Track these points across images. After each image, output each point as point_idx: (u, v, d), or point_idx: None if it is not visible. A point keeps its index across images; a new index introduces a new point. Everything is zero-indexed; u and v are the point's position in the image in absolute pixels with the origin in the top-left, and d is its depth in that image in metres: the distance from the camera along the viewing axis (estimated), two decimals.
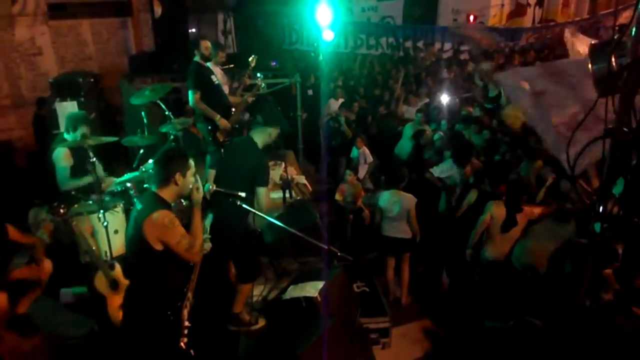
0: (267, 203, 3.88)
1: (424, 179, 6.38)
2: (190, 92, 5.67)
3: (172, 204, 2.98)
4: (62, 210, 3.69)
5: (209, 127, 5.74)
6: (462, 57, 11.95)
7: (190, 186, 2.99)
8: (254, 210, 3.57)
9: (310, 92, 9.54)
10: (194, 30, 11.28)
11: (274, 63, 12.33)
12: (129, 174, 4.94)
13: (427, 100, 8.89)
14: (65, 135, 4.47)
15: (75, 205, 4.40)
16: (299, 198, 5.69)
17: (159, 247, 2.80)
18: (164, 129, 5.63)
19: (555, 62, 4.03)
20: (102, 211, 4.16)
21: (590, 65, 2.21)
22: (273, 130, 3.89)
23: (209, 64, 5.91)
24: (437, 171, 6.28)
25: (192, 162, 3.02)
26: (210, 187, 3.40)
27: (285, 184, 5.26)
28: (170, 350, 2.93)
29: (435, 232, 5.97)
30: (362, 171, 7.45)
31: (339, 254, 3.44)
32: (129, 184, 4.65)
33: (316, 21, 7.15)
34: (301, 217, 4.98)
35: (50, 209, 3.72)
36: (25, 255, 3.99)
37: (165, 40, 10.71)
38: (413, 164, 7.01)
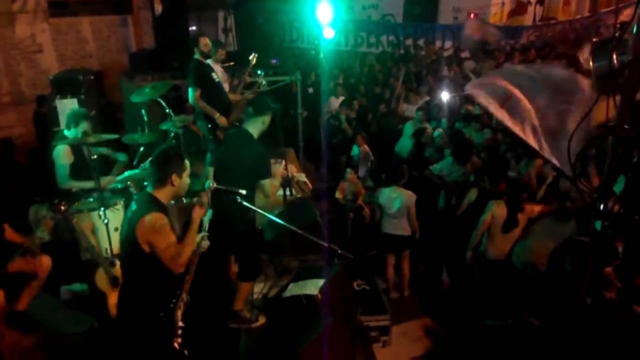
0: (273, 191, 3.86)
1: (424, 176, 6.38)
2: (190, 90, 5.67)
3: (173, 201, 2.97)
4: (62, 208, 3.69)
5: (209, 125, 5.74)
6: (463, 55, 11.94)
7: (187, 189, 2.96)
8: (254, 208, 3.56)
9: (310, 90, 9.53)
10: (194, 28, 11.25)
11: (275, 61, 12.32)
12: (129, 171, 4.94)
13: (427, 98, 8.88)
14: (66, 132, 4.47)
15: (76, 203, 4.40)
16: (299, 196, 5.69)
17: (147, 249, 2.79)
18: (164, 127, 5.62)
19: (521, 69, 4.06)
20: (102, 208, 4.16)
21: (590, 63, 2.20)
22: (266, 118, 3.84)
23: (209, 62, 5.90)
24: (437, 169, 6.28)
25: (187, 163, 3.00)
26: (211, 184, 3.39)
27: (286, 182, 5.26)
28: (163, 351, 2.91)
29: (435, 230, 5.97)
30: (363, 169, 7.45)
31: (339, 251, 3.44)
32: (129, 182, 4.66)
33: (317, 19, 7.12)
34: (301, 215, 4.97)
35: (51, 206, 3.72)
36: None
37: (166, 38, 10.69)
38: (413, 162, 7.01)
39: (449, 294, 5.72)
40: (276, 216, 3.82)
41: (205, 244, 3.13)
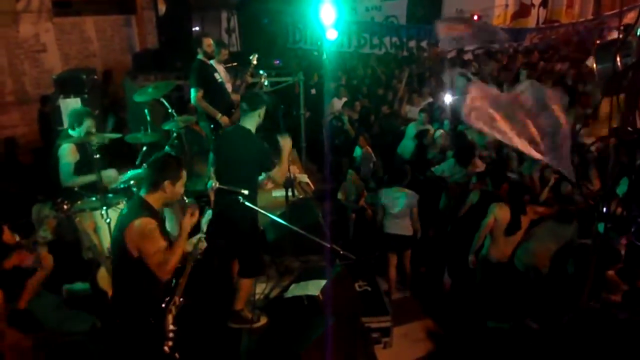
0: (280, 175, 3.88)
1: (426, 178, 6.39)
2: (192, 90, 5.68)
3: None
4: (65, 207, 3.70)
5: (212, 125, 5.75)
6: (466, 57, 11.93)
7: (182, 201, 2.94)
8: (256, 208, 3.57)
9: (313, 91, 9.54)
10: (197, 28, 11.29)
11: (278, 62, 12.35)
12: (131, 171, 4.95)
13: (430, 100, 8.88)
14: (70, 132, 4.48)
15: (79, 202, 4.40)
16: (301, 197, 5.69)
17: (136, 254, 2.77)
18: (166, 127, 5.63)
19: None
20: (104, 208, 4.17)
21: (594, 65, 2.20)
22: (260, 111, 3.85)
23: (212, 62, 5.91)
24: (438, 170, 6.28)
25: (184, 173, 2.97)
26: (213, 184, 3.40)
27: (288, 183, 5.26)
28: (153, 354, 2.90)
29: (437, 231, 5.97)
30: (365, 170, 7.44)
31: (341, 252, 3.43)
32: (131, 182, 4.66)
33: (320, 20, 7.13)
34: (304, 216, 4.98)
35: (54, 205, 3.73)
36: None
37: (169, 38, 10.71)
38: (416, 163, 7.01)
39: (451, 296, 5.72)
40: (278, 217, 3.83)
41: (202, 245, 3.11)
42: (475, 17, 12.96)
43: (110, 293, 3.92)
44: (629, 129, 2.04)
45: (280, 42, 14.65)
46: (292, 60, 12.66)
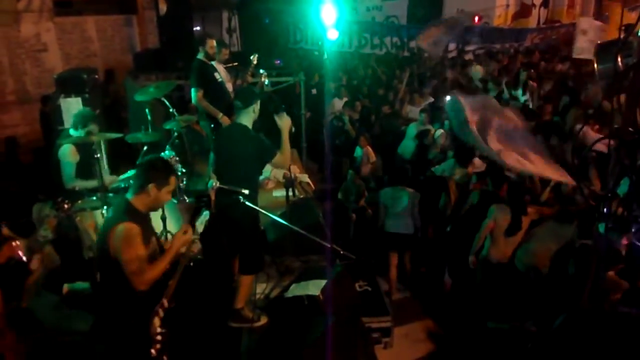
0: (284, 159, 3.83)
1: (427, 178, 6.39)
2: (193, 90, 5.68)
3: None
4: (66, 206, 3.70)
5: (212, 125, 5.76)
6: (467, 57, 11.93)
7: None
8: (257, 208, 3.57)
9: (314, 91, 9.53)
10: (198, 28, 11.29)
11: (279, 61, 12.35)
12: (132, 170, 4.95)
13: (431, 100, 8.88)
14: (71, 132, 4.49)
15: (79, 201, 4.41)
16: (302, 197, 5.68)
17: (115, 257, 2.72)
18: (167, 126, 5.64)
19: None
20: (105, 207, 4.18)
21: (595, 65, 2.20)
22: (254, 107, 3.84)
23: (212, 62, 5.92)
24: (438, 170, 6.29)
25: (173, 179, 2.91)
26: (214, 184, 3.41)
27: (289, 183, 5.26)
28: (138, 358, 2.85)
29: (437, 231, 5.96)
30: (365, 170, 7.45)
31: (341, 252, 3.43)
32: (131, 181, 4.67)
33: (321, 20, 7.13)
34: (304, 216, 4.98)
35: (54, 204, 3.73)
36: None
37: (170, 37, 10.72)
38: (416, 163, 7.00)
39: (451, 296, 5.71)
40: (279, 217, 3.83)
41: (195, 247, 3.08)
42: (477, 19, 12.98)
43: None
44: (630, 129, 2.04)
45: (281, 42, 14.67)
46: (293, 60, 12.66)
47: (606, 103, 2.08)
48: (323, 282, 3.89)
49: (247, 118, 3.83)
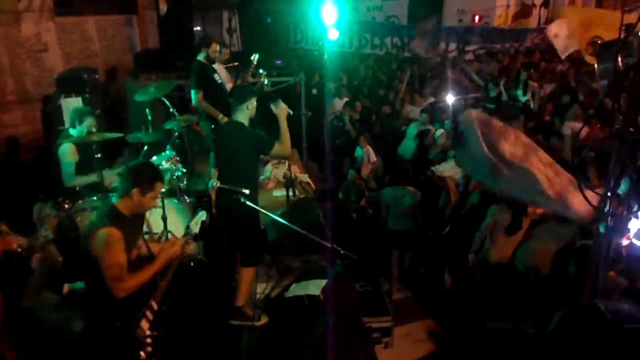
0: (284, 148, 3.78)
1: (428, 178, 6.39)
2: (193, 91, 5.70)
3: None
4: (66, 206, 3.71)
5: (212, 126, 5.76)
6: (467, 57, 11.94)
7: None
8: (257, 208, 3.57)
9: (314, 91, 9.54)
10: (198, 28, 11.30)
11: (279, 61, 12.35)
12: None
13: (432, 100, 8.88)
14: (71, 131, 4.49)
15: (80, 201, 4.41)
16: (302, 196, 5.69)
17: (96, 260, 2.71)
18: (168, 126, 5.64)
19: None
20: None
21: (596, 65, 2.20)
22: (250, 103, 3.84)
23: (212, 64, 5.93)
24: (438, 170, 6.29)
25: (158, 186, 2.90)
26: (214, 184, 3.41)
27: (289, 182, 5.27)
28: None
29: (437, 231, 5.96)
30: (366, 170, 7.45)
31: (342, 252, 3.44)
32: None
33: (321, 20, 7.14)
34: (304, 216, 4.98)
35: (55, 204, 3.74)
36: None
37: (170, 37, 10.72)
38: (416, 163, 7.00)
39: (452, 296, 5.71)
40: (279, 216, 3.83)
41: (189, 248, 3.08)
42: (477, 19, 12.98)
43: None
44: (631, 129, 2.04)
45: (281, 42, 14.68)
46: (294, 60, 12.67)
47: (608, 101, 2.09)
48: (323, 282, 3.89)
49: (243, 115, 3.83)
